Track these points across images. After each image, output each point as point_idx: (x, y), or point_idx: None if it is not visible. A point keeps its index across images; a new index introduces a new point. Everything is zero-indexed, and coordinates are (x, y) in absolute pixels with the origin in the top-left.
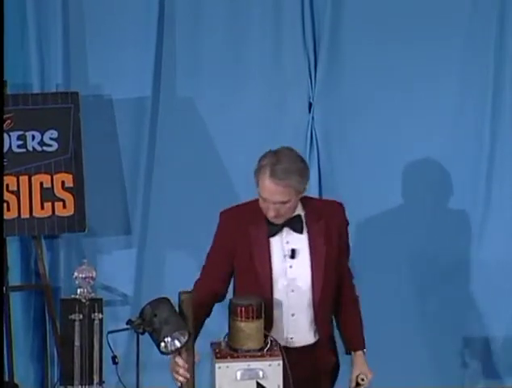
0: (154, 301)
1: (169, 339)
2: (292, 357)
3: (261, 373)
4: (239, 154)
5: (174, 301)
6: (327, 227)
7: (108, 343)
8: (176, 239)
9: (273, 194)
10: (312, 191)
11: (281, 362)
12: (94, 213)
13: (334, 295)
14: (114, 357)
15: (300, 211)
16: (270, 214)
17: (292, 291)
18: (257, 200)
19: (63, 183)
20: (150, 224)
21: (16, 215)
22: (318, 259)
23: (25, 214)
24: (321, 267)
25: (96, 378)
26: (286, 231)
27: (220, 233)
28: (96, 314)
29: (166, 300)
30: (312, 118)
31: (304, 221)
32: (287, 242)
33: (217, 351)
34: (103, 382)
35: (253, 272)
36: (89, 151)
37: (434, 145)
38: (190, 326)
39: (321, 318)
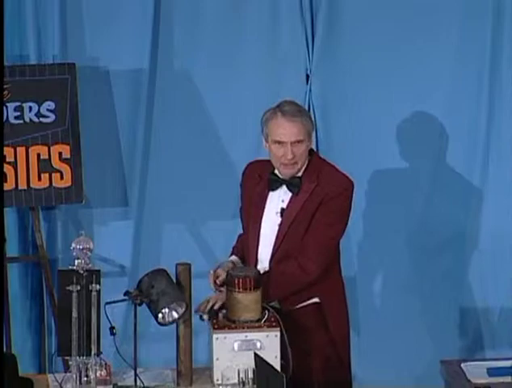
0: (152, 273)
1: (166, 310)
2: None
3: (258, 344)
4: (236, 126)
5: (171, 272)
6: (316, 191)
7: (106, 315)
8: (173, 211)
9: (289, 133)
10: None
11: (278, 333)
12: (92, 185)
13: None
14: (111, 328)
15: (302, 173)
16: (289, 156)
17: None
18: (267, 162)
19: (60, 154)
20: (147, 195)
21: (13, 186)
22: (287, 218)
23: (22, 185)
24: (286, 227)
25: (94, 349)
26: (284, 189)
27: (241, 185)
28: (94, 285)
29: (164, 271)
30: (310, 90)
31: (302, 182)
32: (282, 201)
33: (215, 322)
34: (101, 353)
35: (248, 226)
36: (86, 122)
37: (432, 113)
38: (187, 298)
39: None
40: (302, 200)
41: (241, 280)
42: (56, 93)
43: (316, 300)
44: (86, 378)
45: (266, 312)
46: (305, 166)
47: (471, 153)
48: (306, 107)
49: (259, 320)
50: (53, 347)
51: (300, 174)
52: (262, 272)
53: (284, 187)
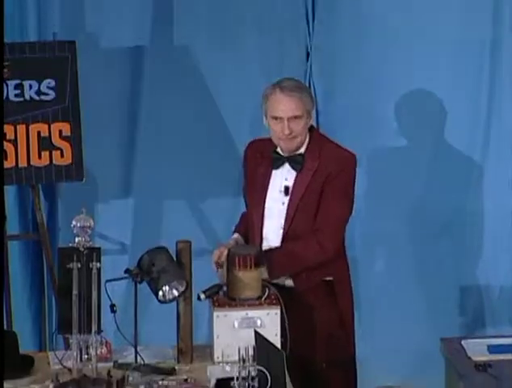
0: (152, 251)
1: (167, 288)
2: (288, 293)
3: (259, 322)
4: (236, 103)
5: (172, 250)
6: (320, 169)
7: (106, 292)
8: (173, 188)
9: (287, 108)
10: None
11: (279, 311)
12: (92, 162)
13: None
14: (112, 306)
15: (304, 150)
16: (285, 132)
17: (282, 229)
18: (269, 141)
19: (60, 132)
20: (148, 173)
21: (14, 164)
22: (295, 197)
23: (22, 163)
24: (294, 207)
25: (94, 327)
26: (287, 167)
27: (244, 164)
28: (94, 263)
29: (164, 249)
30: (310, 67)
31: (304, 160)
32: (286, 179)
33: (215, 299)
34: (102, 331)
35: (252, 204)
36: (86, 100)
37: (433, 89)
38: (187, 275)
39: None
40: (306, 178)
41: (241, 258)
42: (57, 71)
43: (329, 278)
44: (86, 356)
45: (267, 290)
46: (307, 142)
47: (471, 130)
48: (307, 84)
49: (260, 298)
50: (54, 325)
51: (302, 151)
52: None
53: (287, 165)
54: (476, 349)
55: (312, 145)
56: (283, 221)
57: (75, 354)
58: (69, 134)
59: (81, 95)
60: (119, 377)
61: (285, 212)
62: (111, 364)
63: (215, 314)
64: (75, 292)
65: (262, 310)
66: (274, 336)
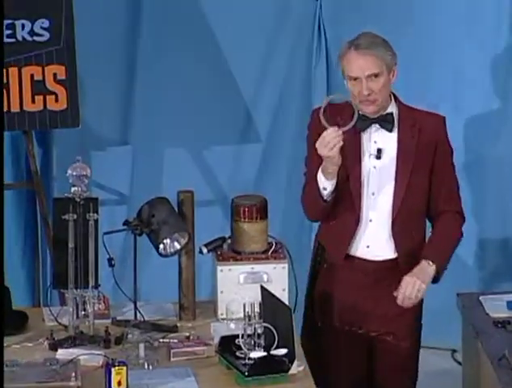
0: (152, 201)
1: (168, 240)
2: (370, 271)
3: (265, 277)
4: (242, 46)
5: (173, 200)
6: (421, 135)
7: (104, 245)
8: (174, 135)
9: (363, 67)
10: (318, 83)
11: (286, 265)
12: (88, 108)
13: (420, 212)
14: (110, 259)
15: (392, 109)
16: (364, 93)
17: (373, 194)
18: (347, 104)
19: (55, 75)
20: (147, 118)
21: (6, 109)
22: (406, 163)
23: (15, 108)
24: (407, 173)
25: (91, 281)
26: (375, 128)
27: (311, 131)
28: (91, 214)
29: (165, 200)
30: (320, 7)
31: (395, 119)
32: (375, 142)
33: (219, 253)
34: (99, 285)
35: (342, 172)
36: (82, 42)
37: (448, 26)
38: (189, 227)
39: (399, 230)
40: (407, 146)
41: (246, 209)
42: (51, 10)
43: None
44: (83, 312)
45: (274, 243)
46: (396, 104)
47: (491, 74)
48: (316, 22)
49: (266, 251)
50: (48, 280)
51: (389, 110)
52: (367, 223)
53: (373, 126)
54: (495, 305)
55: (403, 111)
56: (374, 187)
57: (71, 310)
58: (64, 78)
59: (77, 37)
60: (118, 334)
61: (378, 176)
62: (109, 320)
63: (218, 268)
64: (71, 245)
65: (269, 264)
66: (281, 291)
